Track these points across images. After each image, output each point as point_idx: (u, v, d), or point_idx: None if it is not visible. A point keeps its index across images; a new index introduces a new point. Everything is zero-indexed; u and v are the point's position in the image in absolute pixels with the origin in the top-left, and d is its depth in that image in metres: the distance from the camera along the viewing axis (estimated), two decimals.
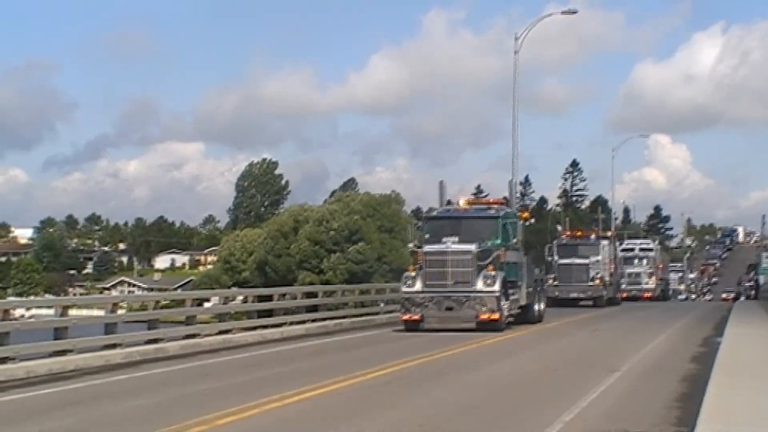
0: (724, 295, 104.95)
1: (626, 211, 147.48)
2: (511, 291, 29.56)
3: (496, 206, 31.61)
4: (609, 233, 58.31)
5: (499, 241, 29.57)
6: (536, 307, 33.26)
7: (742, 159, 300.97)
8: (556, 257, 51.05)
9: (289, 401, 13.89)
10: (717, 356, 18.35)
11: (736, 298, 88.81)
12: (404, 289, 28.95)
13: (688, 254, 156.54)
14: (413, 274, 29.11)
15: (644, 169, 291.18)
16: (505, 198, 33.06)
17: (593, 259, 50.09)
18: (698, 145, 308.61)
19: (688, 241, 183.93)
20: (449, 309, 28.34)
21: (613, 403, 13.98)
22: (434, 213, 31.96)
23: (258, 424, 12.20)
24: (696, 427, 10.60)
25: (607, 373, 17.24)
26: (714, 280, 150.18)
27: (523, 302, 31.17)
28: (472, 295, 28.14)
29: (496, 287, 28.14)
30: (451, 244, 28.73)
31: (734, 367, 16.38)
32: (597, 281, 49.18)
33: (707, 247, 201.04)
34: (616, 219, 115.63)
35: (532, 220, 45.29)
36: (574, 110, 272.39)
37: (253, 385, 16.17)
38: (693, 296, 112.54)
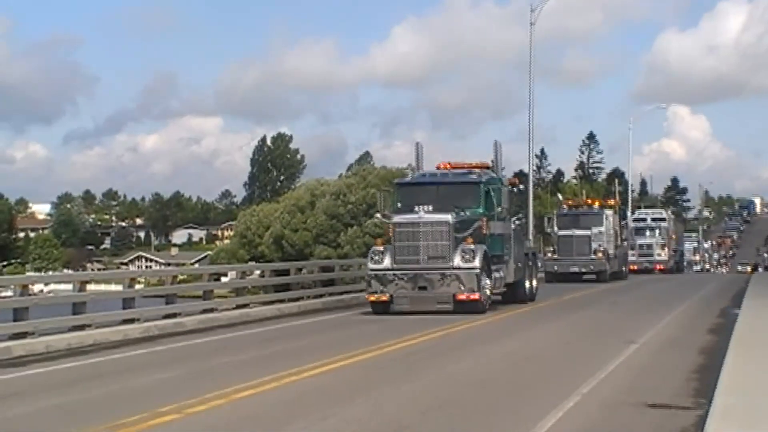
0: (739, 268, 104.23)
1: (643, 183, 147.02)
2: (495, 267, 26.15)
3: (478, 170, 27.30)
4: (612, 202, 54.30)
5: (480, 210, 26.03)
6: (527, 284, 29.55)
7: (764, 130, 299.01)
8: (555, 228, 47.84)
9: (307, 375, 13.94)
10: (735, 328, 18.32)
11: (754, 270, 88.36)
12: (371, 265, 25.45)
13: (705, 226, 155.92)
14: (381, 248, 25.60)
15: (663, 141, 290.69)
16: (493, 161, 28.40)
17: (596, 230, 46.52)
18: (719, 115, 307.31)
19: (705, 213, 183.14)
20: (422, 288, 24.94)
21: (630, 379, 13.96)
22: (407, 179, 28.58)
23: (276, 397, 12.25)
24: (714, 398, 10.61)
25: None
26: (732, 252, 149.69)
27: (510, 279, 27.63)
28: (448, 272, 24.69)
29: (476, 263, 24.70)
30: (424, 213, 25.08)
31: (752, 339, 16.35)
32: (600, 254, 45.58)
33: (726, 219, 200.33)
34: (633, 191, 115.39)
35: (521, 187, 39.14)
36: (598, 81, 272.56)
37: (270, 359, 16.24)
38: (708, 267, 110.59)
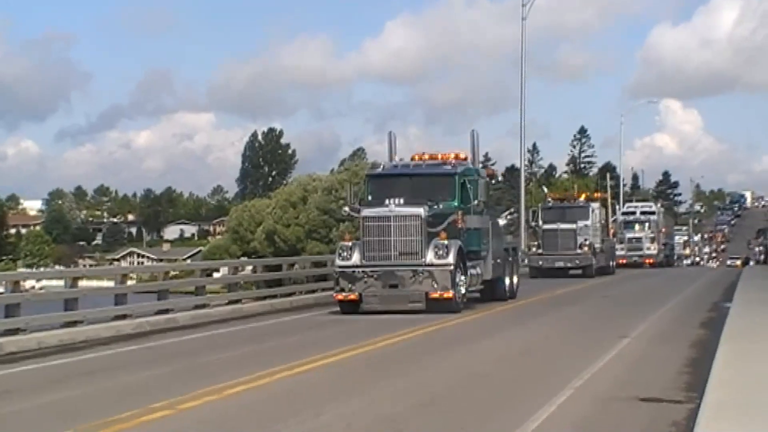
0: (729, 262, 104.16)
1: (635, 177, 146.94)
2: (471, 263, 24.86)
3: (453, 161, 25.78)
4: (598, 195, 53.01)
5: (455, 203, 24.65)
6: (507, 281, 28.25)
7: (758, 123, 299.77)
8: (540, 222, 46.28)
9: (299, 370, 13.93)
10: (726, 322, 18.36)
11: (745, 264, 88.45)
12: (338, 262, 24.10)
13: (696, 220, 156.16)
14: (349, 244, 24.27)
15: (656, 135, 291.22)
16: (471, 152, 27.02)
17: (581, 223, 45.17)
18: (712, 110, 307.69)
19: (697, 207, 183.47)
20: (393, 286, 23.60)
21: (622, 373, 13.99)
22: (378, 170, 27.19)
23: (268, 393, 12.26)
24: (705, 392, 10.63)
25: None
26: (723, 246, 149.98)
27: (488, 276, 26.37)
28: (420, 269, 23.37)
29: (450, 259, 23.37)
30: (395, 206, 23.70)
31: (744, 333, 16.39)
32: (585, 248, 44.22)
33: (718, 212, 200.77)
34: (624, 185, 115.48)
35: (498, 179, 36.42)
36: (592, 76, 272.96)
37: (262, 355, 16.24)
38: (698, 261, 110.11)
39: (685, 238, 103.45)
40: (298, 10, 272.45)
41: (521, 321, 22.32)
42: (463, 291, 24.03)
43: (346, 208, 26.56)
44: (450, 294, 23.22)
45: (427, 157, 26.27)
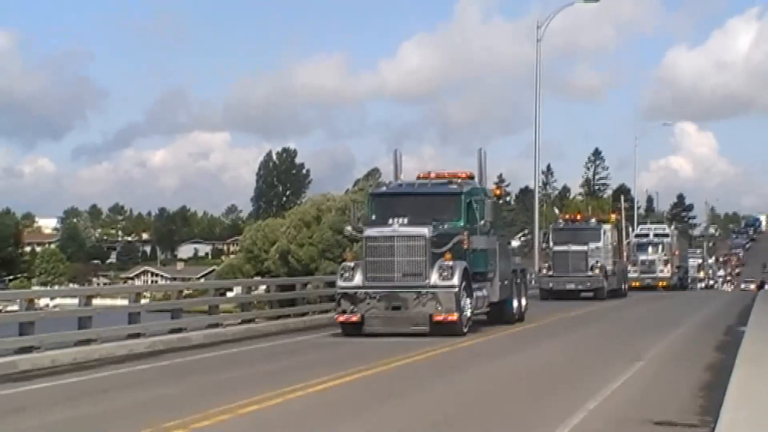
0: (743, 286, 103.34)
1: (649, 199, 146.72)
2: (477, 285, 24.18)
3: (459, 180, 25.15)
4: (610, 217, 51.78)
5: (461, 223, 24.01)
6: (515, 303, 27.45)
7: None
8: (551, 243, 45.64)
9: (313, 390, 13.93)
10: (741, 345, 18.27)
11: (760, 287, 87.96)
12: (340, 283, 23.51)
13: (711, 243, 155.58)
14: (352, 264, 23.62)
15: (671, 158, 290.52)
16: (480, 172, 26.24)
17: (593, 245, 44.31)
18: (727, 132, 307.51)
19: (711, 230, 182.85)
20: (396, 308, 22.99)
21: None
22: (382, 189, 26.25)
23: (280, 413, 12.25)
24: (720, 415, 10.58)
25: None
26: (737, 270, 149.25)
27: (495, 298, 25.70)
28: (424, 290, 22.70)
29: (455, 280, 22.69)
30: (399, 226, 23.13)
31: (759, 356, 16.29)
32: (597, 270, 43.36)
33: (733, 236, 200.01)
34: (639, 207, 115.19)
35: (508, 198, 33.38)
36: (607, 97, 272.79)
37: (276, 374, 16.23)
38: (712, 284, 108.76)
39: (700, 261, 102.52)
40: (315, 29, 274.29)
41: (529, 344, 21.93)
42: (468, 314, 23.37)
43: (349, 228, 26.32)
44: (455, 317, 22.58)
45: (433, 175, 25.79)
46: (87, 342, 19.86)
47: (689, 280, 78.11)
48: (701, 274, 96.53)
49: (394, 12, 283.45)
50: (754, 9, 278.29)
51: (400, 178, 26.48)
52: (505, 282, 26.58)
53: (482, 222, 24.60)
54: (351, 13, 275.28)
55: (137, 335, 21.42)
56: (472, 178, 25.76)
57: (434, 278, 22.83)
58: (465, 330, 22.99)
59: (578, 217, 50.54)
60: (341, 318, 23.38)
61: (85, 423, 11.95)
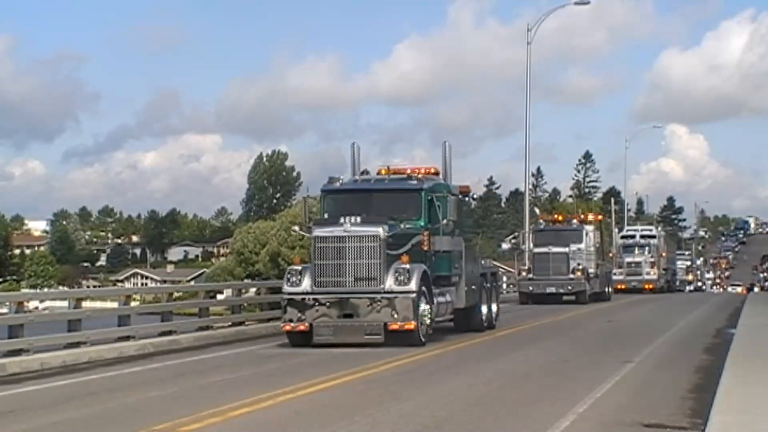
0: (730, 289, 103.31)
1: (640, 202, 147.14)
2: (439, 290, 22.39)
3: (420, 176, 23.39)
4: (593, 217, 49.87)
5: (422, 222, 22.24)
6: (484, 309, 25.51)
7: (764, 149, 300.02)
8: (531, 245, 44.33)
9: (303, 392, 13.93)
10: (731, 347, 18.31)
11: (749, 290, 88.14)
12: (286, 288, 21.46)
13: (701, 246, 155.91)
14: (299, 267, 21.66)
15: (661, 160, 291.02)
16: (445, 168, 24.43)
17: (574, 247, 42.57)
18: (718, 135, 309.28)
19: (701, 233, 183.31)
20: (347, 316, 20.99)
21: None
22: (335, 185, 23.77)
23: (271, 416, 12.24)
24: (710, 418, 10.61)
25: None
26: (727, 273, 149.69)
27: (461, 304, 23.87)
28: (378, 296, 20.80)
29: (412, 285, 20.78)
30: (351, 226, 21.16)
31: (748, 359, 16.34)
32: (579, 273, 41.64)
33: (722, 238, 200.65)
34: (629, 210, 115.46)
35: (475, 197, 28.14)
36: (600, 100, 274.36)
37: (266, 377, 16.22)
38: (701, 286, 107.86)
39: (688, 263, 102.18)
40: (307, 32, 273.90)
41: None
42: (428, 322, 21.55)
43: (296, 228, 24.49)
44: (412, 325, 20.64)
45: (393, 171, 24.18)
46: (76, 345, 19.83)
47: (677, 283, 77.25)
48: (690, 277, 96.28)
49: (387, 15, 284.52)
50: (747, 11, 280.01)
51: (358, 173, 24.79)
52: (473, 286, 24.73)
53: (445, 221, 22.65)
54: (344, 17, 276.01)
55: (127, 338, 21.40)
56: (436, 174, 24.15)
57: (389, 283, 20.92)
58: (424, 340, 21.14)
59: (559, 217, 49.03)
60: (287, 327, 21.29)
61: (74, 426, 11.93)
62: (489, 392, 14.30)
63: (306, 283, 21.26)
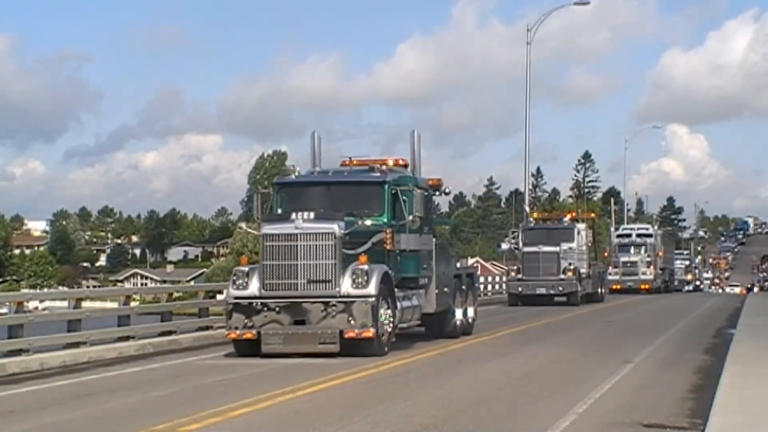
0: (728, 290, 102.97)
1: (639, 202, 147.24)
2: (404, 293, 20.38)
3: (384, 167, 21.22)
4: (586, 215, 48.46)
5: (385, 219, 20.18)
6: (458, 314, 23.34)
7: (765, 149, 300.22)
8: (521, 245, 42.15)
9: (302, 393, 13.93)
10: (730, 348, 18.32)
11: (749, 290, 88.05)
12: (232, 291, 19.43)
13: (701, 246, 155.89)
14: (246, 269, 19.57)
15: (662, 160, 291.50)
16: (413, 159, 22.47)
17: (565, 246, 40.94)
18: (719, 135, 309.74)
19: (701, 233, 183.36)
20: (299, 322, 18.83)
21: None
22: (289, 177, 21.77)
23: (271, 415, 12.24)
24: (709, 418, 10.61)
25: None
26: (727, 274, 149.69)
27: (431, 309, 21.83)
28: (333, 300, 18.73)
29: (370, 288, 18.69)
30: (303, 222, 19.02)
31: (748, 359, 16.35)
32: (570, 273, 40.13)
33: (722, 239, 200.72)
34: (629, 210, 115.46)
35: (447, 191, 24.23)
36: (602, 100, 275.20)
37: (265, 377, 16.21)
38: (698, 284, 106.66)
39: (687, 262, 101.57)
40: (310, 32, 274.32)
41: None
42: (389, 329, 19.39)
43: (243, 225, 22.22)
44: (370, 333, 18.51)
45: (356, 162, 22.19)
46: (76, 345, 19.83)
47: (675, 282, 76.35)
48: (689, 277, 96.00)
49: (390, 15, 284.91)
50: (751, 11, 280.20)
51: (320, 166, 22.60)
52: (445, 289, 22.58)
53: (410, 217, 20.46)
54: (346, 17, 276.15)
55: (127, 338, 21.39)
56: (405, 166, 22.24)
57: (346, 286, 18.82)
58: (386, 349, 19.09)
59: (550, 215, 47.46)
60: (232, 335, 19.16)
61: (74, 426, 11.92)
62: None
63: (254, 286, 19.21)
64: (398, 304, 19.90)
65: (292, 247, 19.00)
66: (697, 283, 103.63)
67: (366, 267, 18.87)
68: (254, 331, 18.89)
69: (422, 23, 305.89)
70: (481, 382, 15.40)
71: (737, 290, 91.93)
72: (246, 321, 19.00)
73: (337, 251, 18.93)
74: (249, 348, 19.06)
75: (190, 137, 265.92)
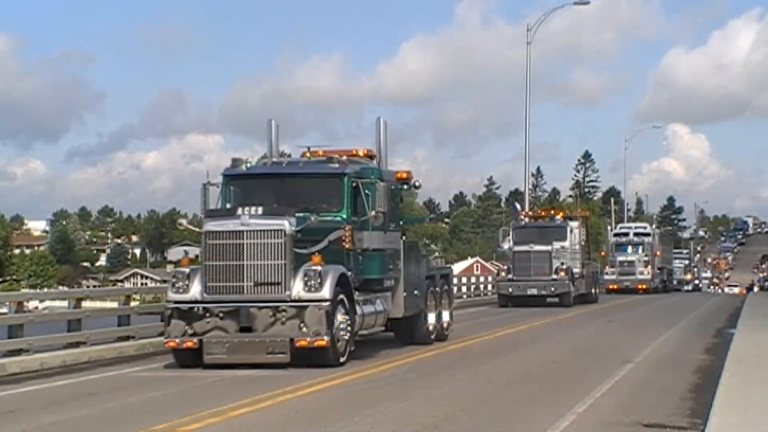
0: (727, 289, 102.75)
1: (639, 202, 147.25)
2: (366, 296, 18.68)
3: (343, 158, 19.32)
4: (579, 213, 46.96)
5: (344, 215, 18.40)
6: (431, 318, 21.39)
7: (766, 149, 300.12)
8: (512, 244, 40.60)
9: (303, 392, 13.93)
10: (730, 348, 18.32)
11: (749, 289, 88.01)
12: (171, 295, 17.71)
13: (701, 246, 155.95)
14: (187, 270, 17.84)
15: (663, 160, 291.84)
16: (379, 150, 20.86)
17: (558, 245, 39.60)
18: (719, 134, 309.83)
19: (701, 233, 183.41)
20: (245, 330, 17.04)
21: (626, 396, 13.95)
22: (239, 169, 19.52)
23: (271, 415, 12.24)
24: (709, 418, 10.61)
25: None
26: (727, 274, 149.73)
27: (399, 313, 20.01)
28: (283, 305, 17.00)
29: (324, 292, 16.93)
30: (250, 218, 17.28)
31: (748, 359, 16.35)
32: (562, 273, 38.63)
33: (722, 238, 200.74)
34: (628, 210, 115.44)
35: (417, 185, 21.68)
36: (604, 100, 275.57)
37: (266, 377, 16.18)
38: (697, 283, 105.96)
39: (686, 262, 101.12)
40: (313, 32, 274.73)
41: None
42: (346, 337, 17.48)
43: (183, 221, 20.46)
44: (324, 341, 16.70)
45: (320, 153, 20.25)
46: (76, 345, 19.81)
47: (674, 282, 75.72)
48: (688, 276, 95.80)
49: (393, 15, 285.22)
50: (754, 10, 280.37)
51: (275, 156, 20.97)
52: (415, 291, 20.72)
53: (374, 213, 18.62)
54: (349, 16, 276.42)
55: (127, 338, 21.37)
56: (371, 157, 20.51)
57: (297, 289, 17.07)
58: (342, 359, 17.27)
59: (542, 213, 45.51)
60: (171, 343, 17.41)
61: (74, 426, 11.92)
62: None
63: (195, 289, 17.46)
64: (358, 309, 18.18)
65: (238, 246, 17.26)
66: (696, 282, 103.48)
67: (320, 268, 17.15)
68: (195, 340, 17.17)
69: (425, 23, 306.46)
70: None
71: (736, 290, 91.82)
72: (186, 328, 17.24)
73: (288, 250, 17.17)
74: (190, 358, 17.34)
75: (191, 137, 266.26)
